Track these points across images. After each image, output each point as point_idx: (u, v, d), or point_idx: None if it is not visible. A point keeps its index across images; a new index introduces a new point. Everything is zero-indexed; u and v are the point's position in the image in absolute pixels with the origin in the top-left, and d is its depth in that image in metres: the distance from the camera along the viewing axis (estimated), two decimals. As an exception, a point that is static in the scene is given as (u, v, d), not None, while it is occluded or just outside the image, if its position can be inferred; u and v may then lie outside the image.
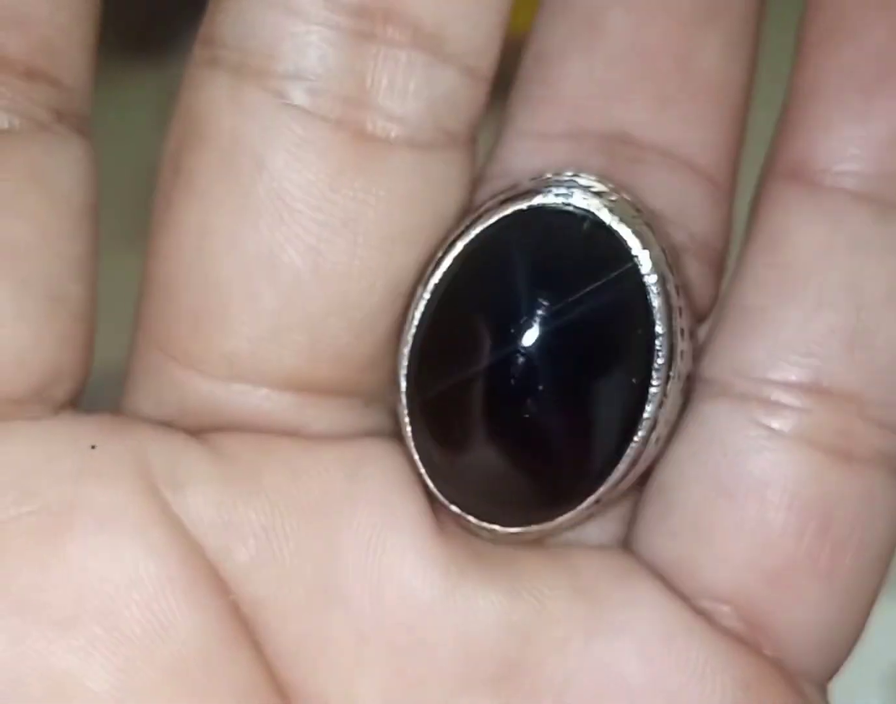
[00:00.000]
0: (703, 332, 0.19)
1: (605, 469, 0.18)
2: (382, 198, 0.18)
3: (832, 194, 0.18)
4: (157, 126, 0.19)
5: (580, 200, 0.18)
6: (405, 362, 0.18)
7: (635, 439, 0.18)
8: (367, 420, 0.19)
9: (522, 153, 0.19)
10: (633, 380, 0.18)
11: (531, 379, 0.18)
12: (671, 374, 0.18)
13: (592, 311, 0.18)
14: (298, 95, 0.17)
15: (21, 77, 0.17)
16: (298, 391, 0.18)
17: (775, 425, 0.18)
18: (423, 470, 0.19)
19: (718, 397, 0.19)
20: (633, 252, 0.18)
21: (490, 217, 0.18)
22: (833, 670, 0.19)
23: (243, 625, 0.18)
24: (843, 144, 0.18)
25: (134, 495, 0.17)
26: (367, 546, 0.18)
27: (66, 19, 0.17)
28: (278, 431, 0.18)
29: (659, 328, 0.18)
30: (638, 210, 0.18)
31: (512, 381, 0.18)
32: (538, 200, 0.18)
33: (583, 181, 0.18)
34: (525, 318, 0.18)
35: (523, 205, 0.18)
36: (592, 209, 0.18)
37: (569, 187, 0.18)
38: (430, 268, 0.18)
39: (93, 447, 0.18)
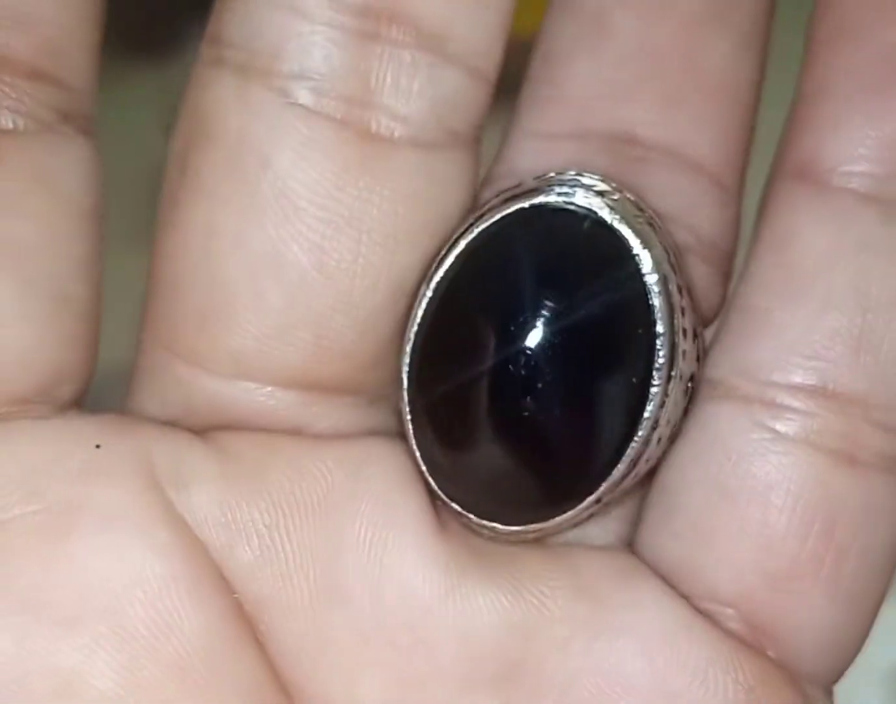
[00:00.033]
0: (710, 333, 0.19)
1: (606, 469, 0.18)
2: (387, 197, 0.18)
3: (840, 195, 0.18)
4: (158, 126, 0.19)
5: (582, 199, 0.18)
6: (407, 361, 0.18)
7: (636, 438, 0.18)
8: (371, 419, 0.19)
9: (529, 153, 0.19)
10: (634, 380, 0.18)
11: (532, 378, 0.18)
12: (672, 374, 0.18)
13: (594, 310, 0.18)
14: (304, 95, 0.17)
15: (25, 78, 0.17)
16: (303, 389, 0.18)
17: (779, 427, 0.18)
18: (424, 468, 0.19)
19: (722, 398, 0.18)
20: (634, 251, 0.18)
21: (492, 216, 0.18)
22: (838, 673, 0.19)
23: (247, 624, 0.18)
24: (851, 144, 0.18)
25: (138, 494, 0.17)
26: (368, 545, 0.18)
27: (70, 20, 0.17)
28: (283, 429, 0.18)
29: (660, 328, 0.18)
30: (640, 209, 0.18)
31: (513, 380, 0.18)
32: (540, 199, 0.18)
33: (586, 180, 0.18)
34: (526, 317, 0.18)
35: (525, 203, 0.18)
36: (594, 208, 0.18)
37: (571, 186, 0.18)
38: (433, 266, 0.18)
39: (97, 447, 0.18)
